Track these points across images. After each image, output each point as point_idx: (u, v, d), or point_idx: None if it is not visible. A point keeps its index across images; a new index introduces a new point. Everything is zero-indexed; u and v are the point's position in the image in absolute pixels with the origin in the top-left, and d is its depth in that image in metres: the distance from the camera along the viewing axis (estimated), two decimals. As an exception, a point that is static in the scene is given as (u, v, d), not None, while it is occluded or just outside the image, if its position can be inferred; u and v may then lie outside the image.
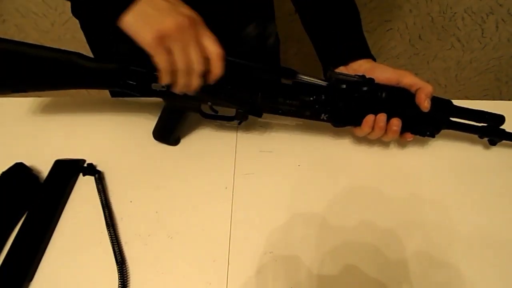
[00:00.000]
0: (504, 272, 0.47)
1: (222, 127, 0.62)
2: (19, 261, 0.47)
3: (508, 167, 0.57)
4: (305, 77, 0.52)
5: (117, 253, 0.47)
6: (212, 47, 0.47)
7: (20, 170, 0.54)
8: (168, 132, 0.58)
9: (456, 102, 0.66)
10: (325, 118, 0.55)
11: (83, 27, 0.70)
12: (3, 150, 0.59)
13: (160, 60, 0.45)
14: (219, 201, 0.53)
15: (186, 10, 0.45)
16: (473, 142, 0.61)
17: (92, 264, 0.47)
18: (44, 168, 0.56)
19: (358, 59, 0.57)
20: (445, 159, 0.58)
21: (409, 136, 0.56)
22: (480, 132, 0.57)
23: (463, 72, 1.35)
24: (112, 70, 0.53)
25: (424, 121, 0.55)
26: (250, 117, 0.57)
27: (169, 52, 0.45)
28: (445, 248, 0.49)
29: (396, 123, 0.54)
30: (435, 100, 0.54)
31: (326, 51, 0.61)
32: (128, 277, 0.46)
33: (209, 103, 0.55)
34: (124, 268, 0.47)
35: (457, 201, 0.54)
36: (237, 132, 0.62)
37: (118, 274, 0.46)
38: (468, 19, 1.17)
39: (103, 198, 0.52)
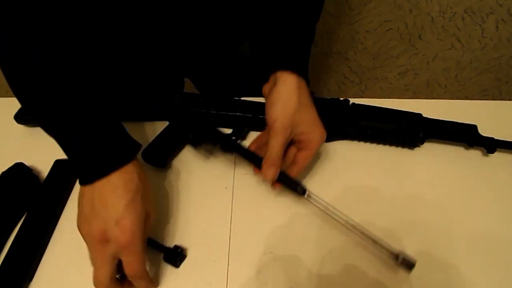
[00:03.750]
0: (504, 272, 0.47)
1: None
2: (19, 261, 0.47)
3: (508, 167, 0.57)
4: None
5: (117, 253, 0.47)
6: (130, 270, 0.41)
7: (20, 170, 0.54)
8: (163, 154, 0.57)
9: (456, 102, 0.66)
10: None
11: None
12: (3, 150, 0.59)
13: None
14: (219, 201, 0.53)
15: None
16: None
17: (92, 264, 0.47)
18: (44, 168, 0.56)
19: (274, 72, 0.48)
20: (445, 159, 0.58)
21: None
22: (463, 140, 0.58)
23: (463, 72, 1.35)
24: None
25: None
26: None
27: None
28: (445, 248, 0.49)
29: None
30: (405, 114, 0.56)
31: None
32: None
33: None
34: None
35: (457, 201, 0.54)
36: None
37: (118, 274, 0.46)
38: (468, 19, 1.17)
39: (103, 198, 0.52)
